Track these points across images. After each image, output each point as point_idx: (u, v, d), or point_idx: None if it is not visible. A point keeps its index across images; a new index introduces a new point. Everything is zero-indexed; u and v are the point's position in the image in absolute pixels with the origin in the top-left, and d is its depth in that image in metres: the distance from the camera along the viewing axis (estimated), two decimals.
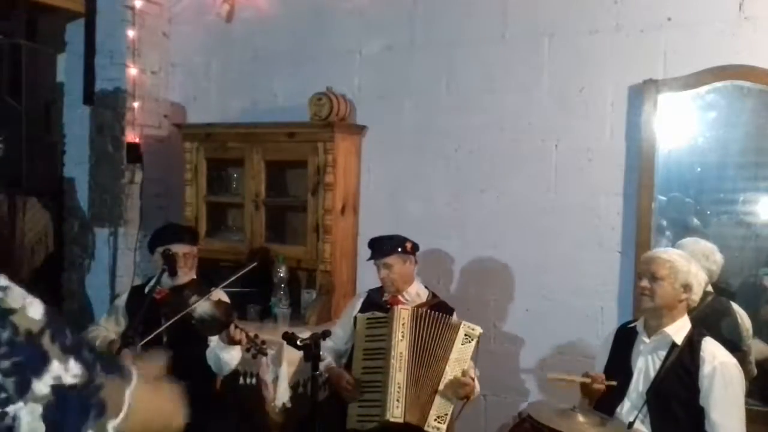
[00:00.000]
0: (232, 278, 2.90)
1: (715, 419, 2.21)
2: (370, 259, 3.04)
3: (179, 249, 2.94)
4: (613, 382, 2.39)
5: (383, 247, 2.97)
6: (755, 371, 2.75)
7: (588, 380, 2.42)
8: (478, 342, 2.76)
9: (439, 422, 2.66)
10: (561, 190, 3.26)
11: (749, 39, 2.82)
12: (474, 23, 3.43)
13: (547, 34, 3.27)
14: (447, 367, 2.69)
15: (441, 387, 2.68)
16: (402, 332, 2.73)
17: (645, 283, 2.36)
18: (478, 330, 2.77)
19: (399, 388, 2.66)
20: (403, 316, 2.75)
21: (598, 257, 3.16)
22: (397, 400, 2.65)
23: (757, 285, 2.86)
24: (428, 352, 2.72)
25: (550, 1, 3.26)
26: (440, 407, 2.67)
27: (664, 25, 3.00)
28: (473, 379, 2.72)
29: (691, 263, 2.37)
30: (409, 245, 2.98)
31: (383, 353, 2.75)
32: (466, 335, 2.74)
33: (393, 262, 2.93)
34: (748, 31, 2.83)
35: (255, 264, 3.05)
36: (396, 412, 2.64)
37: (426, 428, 2.64)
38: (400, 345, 2.72)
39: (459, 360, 2.71)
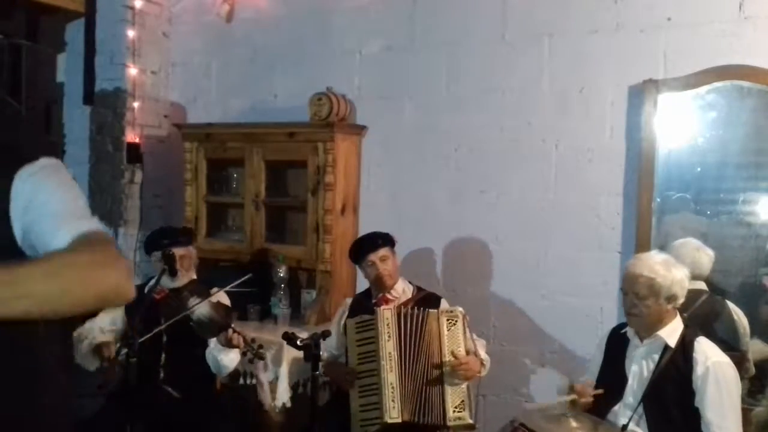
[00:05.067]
0: (231, 285, 2.90)
1: (711, 419, 2.21)
2: (360, 258, 2.98)
3: (175, 252, 2.94)
4: (600, 391, 2.39)
5: (376, 241, 2.96)
6: (753, 370, 2.75)
7: (575, 397, 2.39)
8: (464, 321, 2.74)
9: (458, 411, 2.66)
10: (561, 190, 3.26)
11: (749, 39, 2.82)
12: (474, 23, 3.43)
13: (547, 34, 3.27)
14: (444, 358, 2.69)
15: (445, 378, 2.68)
16: (388, 333, 2.73)
17: (629, 302, 2.34)
18: (458, 310, 2.77)
19: (393, 388, 2.67)
20: (386, 316, 2.75)
21: (598, 257, 3.16)
22: (392, 401, 2.65)
23: (756, 285, 2.86)
24: (418, 348, 2.72)
25: (550, 1, 3.26)
26: (454, 397, 2.68)
27: (664, 25, 3.00)
28: (474, 354, 2.72)
29: (672, 270, 2.30)
30: (395, 239, 3.02)
31: (375, 356, 2.75)
32: (448, 320, 2.74)
33: (388, 254, 2.95)
34: (748, 31, 2.83)
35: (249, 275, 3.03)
36: (393, 413, 2.64)
37: (449, 423, 2.64)
38: (388, 345, 2.72)
39: (452, 346, 2.71)
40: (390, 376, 2.68)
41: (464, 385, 2.71)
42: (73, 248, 1.09)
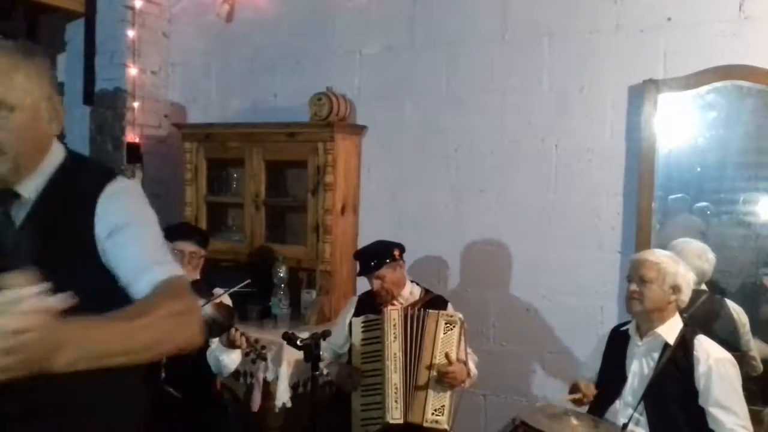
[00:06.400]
0: (235, 288, 2.90)
1: (722, 418, 2.21)
2: (359, 274, 2.98)
3: (185, 247, 2.94)
4: (596, 391, 2.43)
5: (370, 262, 2.89)
6: (761, 367, 2.75)
7: (579, 396, 2.42)
8: (461, 327, 2.75)
9: (437, 415, 2.66)
10: (561, 190, 3.26)
11: (749, 39, 2.82)
12: (474, 23, 3.43)
13: (547, 34, 3.27)
14: (434, 360, 2.70)
15: (432, 380, 2.68)
16: (394, 333, 2.73)
17: (634, 287, 2.36)
18: (457, 315, 2.77)
19: (396, 389, 2.67)
20: (393, 317, 2.75)
21: (598, 257, 3.16)
22: (396, 402, 2.66)
23: (757, 285, 2.86)
24: (418, 349, 2.73)
25: (550, 1, 3.26)
26: (435, 400, 2.68)
27: (664, 25, 3.00)
28: (464, 363, 2.72)
29: (679, 264, 2.37)
30: (396, 253, 2.92)
31: (379, 355, 2.75)
32: (446, 324, 2.74)
33: (384, 273, 2.87)
34: (748, 31, 2.83)
35: (248, 282, 3.01)
36: (396, 414, 2.64)
37: (425, 424, 2.65)
38: (394, 346, 2.72)
39: (443, 349, 2.71)
40: (394, 377, 2.68)
41: (448, 391, 2.71)
42: (159, 302, 1.17)
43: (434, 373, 2.68)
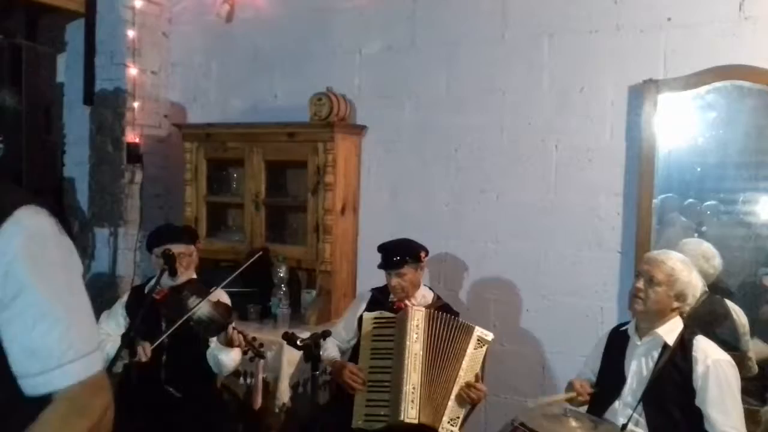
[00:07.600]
0: (234, 274, 2.89)
1: (715, 418, 2.21)
2: (381, 267, 2.95)
3: (174, 249, 2.93)
4: (593, 390, 2.44)
5: (395, 257, 2.89)
6: (756, 369, 2.75)
7: (573, 395, 2.45)
8: (488, 348, 2.76)
9: (452, 425, 2.65)
10: (561, 190, 3.26)
11: (749, 39, 2.82)
12: (474, 23, 3.43)
13: (547, 34, 3.27)
14: (461, 371, 2.68)
15: (455, 391, 2.66)
16: (416, 333, 2.70)
17: (640, 284, 2.35)
18: (490, 336, 2.76)
19: (414, 389, 2.63)
20: (417, 317, 2.72)
21: (598, 257, 3.16)
22: (412, 401, 2.62)
23: (756, 285, 2.86)
24: (442, 354, 2.70)
25: (550, 1, 3.26)
26: (453, 410, 2.66)
27: (664, 25, 3.00)
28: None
29: (692, 272, 2.35)
30: (422, 255, 2.93)
31: (392, 353, 2.73)
32: (478, 341, 2.73)
33: (406, 271, 2.88)
34: (748, 31, 2.83)
35: (260, 253, 3.02)
36: (411, 413, 2.60)
37: (441, 430, 2.63)
38: (415, 346, 2.68)
39: (471, 365, 2.71)
40: (413, 377, 2.65)
41: (468, 406, 2.70)
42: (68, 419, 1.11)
43: (460, 385, 2.67)
